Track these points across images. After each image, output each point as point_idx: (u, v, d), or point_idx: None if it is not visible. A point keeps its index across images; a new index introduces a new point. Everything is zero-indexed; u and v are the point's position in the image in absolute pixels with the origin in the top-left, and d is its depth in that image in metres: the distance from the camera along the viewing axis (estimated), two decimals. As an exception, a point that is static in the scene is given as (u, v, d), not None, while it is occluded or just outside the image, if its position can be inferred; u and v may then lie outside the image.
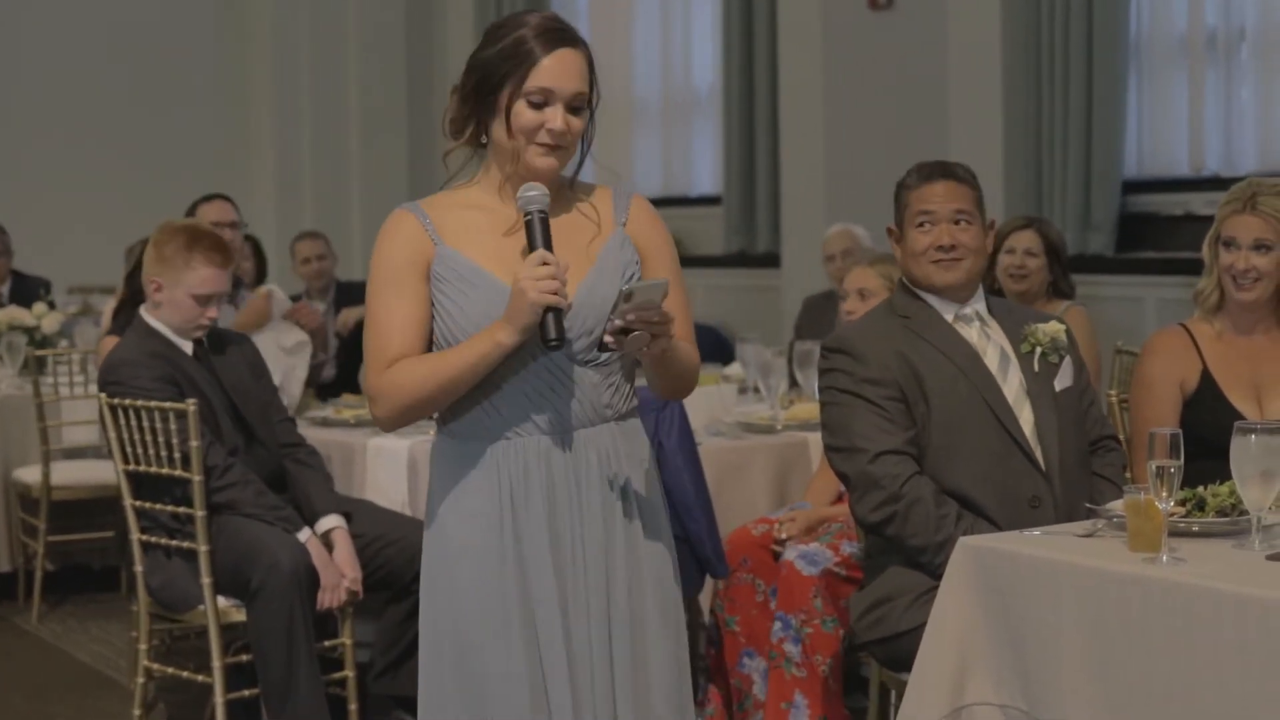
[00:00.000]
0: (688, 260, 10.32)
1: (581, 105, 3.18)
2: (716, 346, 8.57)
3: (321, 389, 7.57)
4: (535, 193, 3.14)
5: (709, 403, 5.61)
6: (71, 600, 7.23)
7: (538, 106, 3.15)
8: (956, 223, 4.09)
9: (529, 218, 3.13)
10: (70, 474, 6.92)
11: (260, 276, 8.55)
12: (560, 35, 3.17)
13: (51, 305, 8.04)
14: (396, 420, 3.19)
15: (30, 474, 6.98)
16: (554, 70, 3.14)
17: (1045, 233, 6.01)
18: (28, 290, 8.46)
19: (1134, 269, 7.90)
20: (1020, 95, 8.24)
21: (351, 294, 8.61)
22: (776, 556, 4.90)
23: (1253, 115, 7.56)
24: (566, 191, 3.25)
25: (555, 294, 3.03)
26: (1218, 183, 7.49)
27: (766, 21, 9.66)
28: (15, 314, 7.72)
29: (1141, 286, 7.82)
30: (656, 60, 10.87)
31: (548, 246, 3.10)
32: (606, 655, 3.21)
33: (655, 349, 3.06)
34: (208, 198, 6.75)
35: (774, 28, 9.53)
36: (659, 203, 10.52)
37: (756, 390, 6.00)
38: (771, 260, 9.72)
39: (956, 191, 4.12)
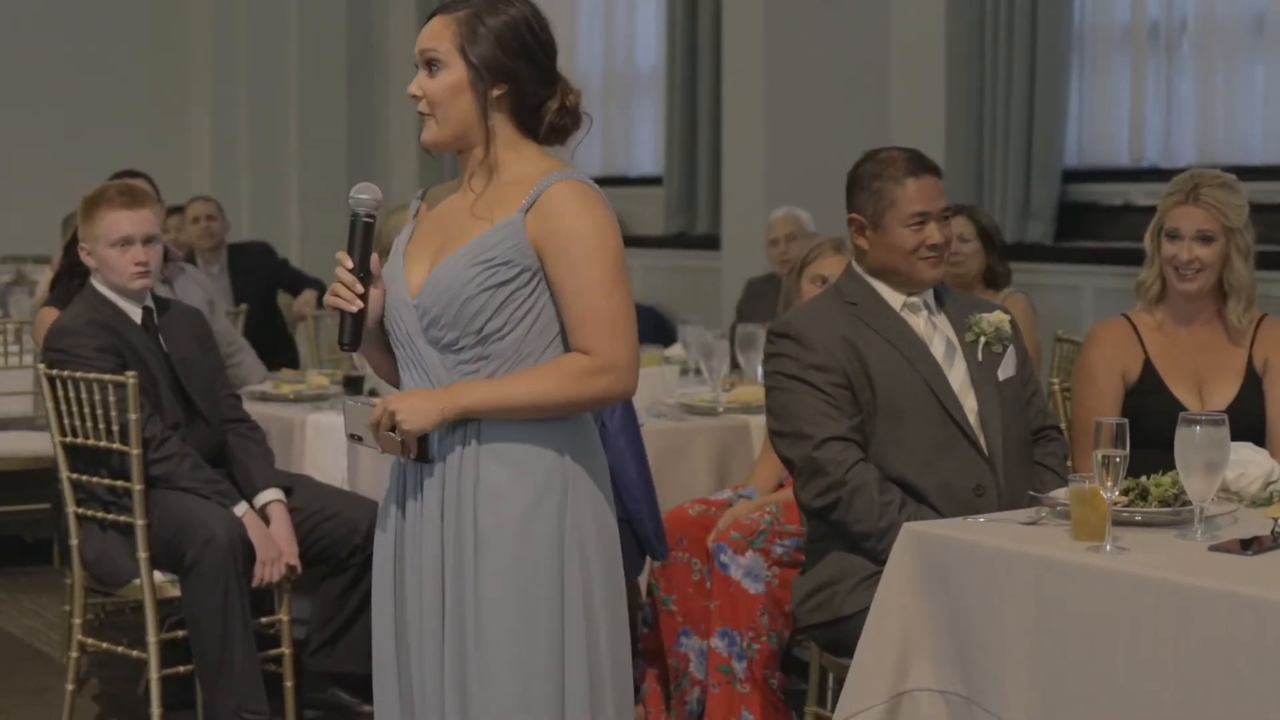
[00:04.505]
0: (627, 241, 10.42)
1: (435, 62, 3.14)
2: (658, 328, 8.57)
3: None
4: (365, 195, 3.17)
5: (651, 384, 5.60)
6: (3, 572, 7.17)
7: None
8: (942, 220, 4.09)
9: (353, 218, 3.17)
10: (2, 445, 6.85)
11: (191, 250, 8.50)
12: (443, 4, 3.19)
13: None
14: None
15: (-43, 447, 6.91)
16: (421, 34, 3.17)
17: (976, 219, 6.04)
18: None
19: (1073, 258, 7.93)
20: (962, 82, 8.25)
21: (245, 256, 8.52)
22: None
23: (1192, 107, 7.60)
24: (500, 171, 3.16)
25: (342, 299, 3.12)
26: (1157, 173, 7.53)
27: (710, 2, 9.63)
28: (-54, 282, 7.64)
29: (1080, 275, 7.85)
30: (599, 39, 10.84)
31: (363, 251, 3.14)
32: (438, 669, 3.16)
33: (398, 449, 3.12)
34: (120, 175, 6.67)
35: (718, 8, 9.50)
36: (600, 183, 10.65)
37: (698, 372, 6.00)
38: (712, 242, 9.70)
39: (939, 188, 4.13)
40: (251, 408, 5.64)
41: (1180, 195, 4.30)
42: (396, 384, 3.28)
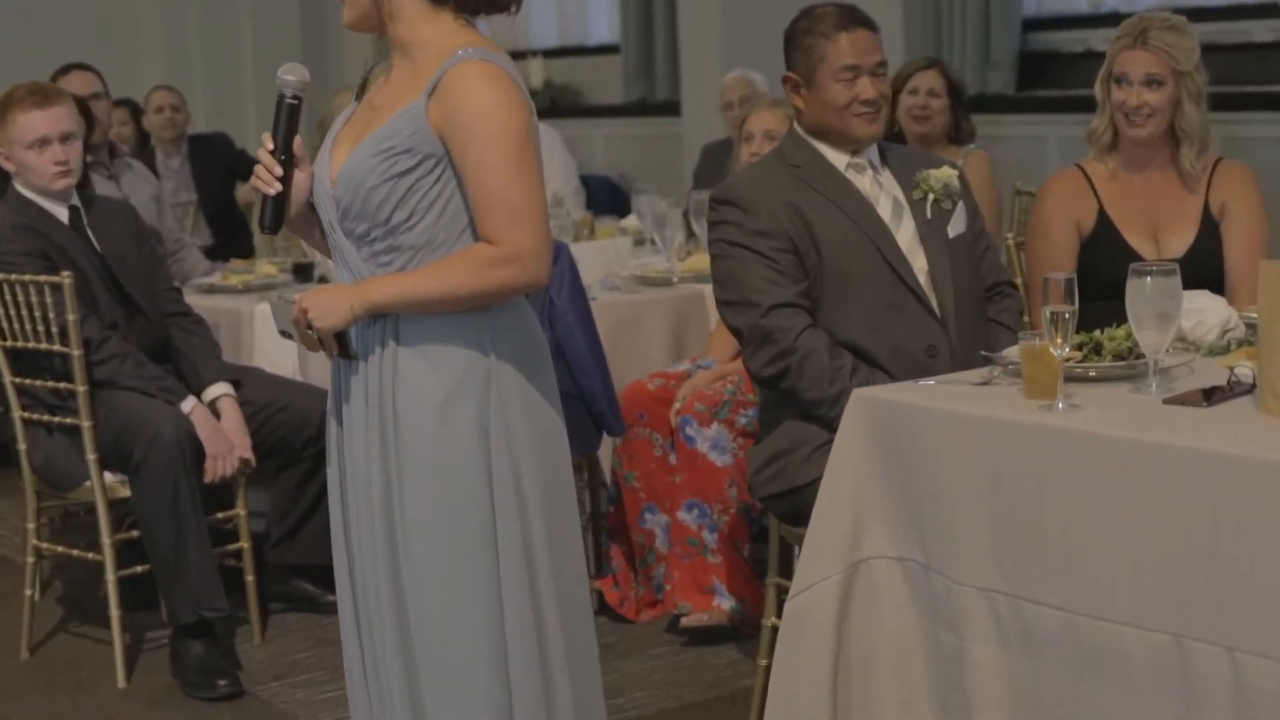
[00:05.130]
0: (587, 110, 10.34)
1: None
2: (614, 198, 8.46)
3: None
4: (292, 76, 3.09)
5: (604, 256, 5.52)
6: (-36, 476, 7.08)
7: None
8: (875, 75, 3.97)
9: (278, 100, 3.08)
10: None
11: (143, 141, 8.35)
12: None
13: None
14: None
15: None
16: None
17: (947, 73, 5.92)
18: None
19: (1035, 108, 7.85)
20: (918, -69, 8.12)
21: (208, 148, 8.38)
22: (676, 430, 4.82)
23: (1151, -52, 7.48)
24: (410, 52, 3.04)
25: (261, 180, 3.06)
26: (1117, 19, 7.32)
27: None
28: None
29: (1042, 125, 7.77)
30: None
31: (287, 132, 3.06)
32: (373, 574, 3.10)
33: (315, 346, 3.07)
34: (66, 69, 6.52)
35: None
36: (556, 54, 10.62)
37: (653, 242, 5.90)
38: (672, 109, 9.59)
39: (872, 41, 3.99)
40: (199, 300, 5.57)
41: (1128, 39, 4.19)
42: None
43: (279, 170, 3.06)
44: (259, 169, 3.07)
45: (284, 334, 3.16)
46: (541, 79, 10.54)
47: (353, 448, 3.12)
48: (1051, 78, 7.93)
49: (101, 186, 6.06)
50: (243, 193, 8.13)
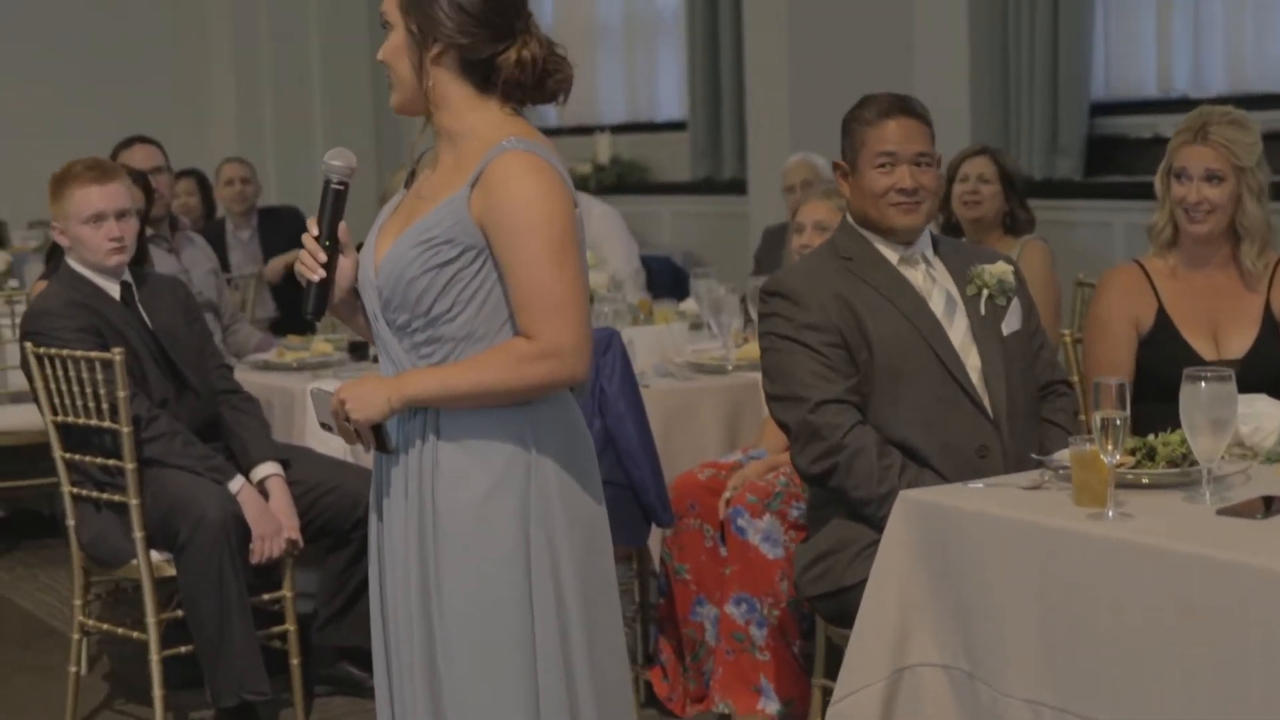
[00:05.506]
0: (654, 187, 10.32)
1: (386, 24, 3.05)
2: (676, 279, 8.42)
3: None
4: (338, 162, 3.07)
5: (659, 342, 5.46)
6: (23, 546, 7.10)
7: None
8: (918, 164, 3.92)
9: (324, 185, 3.07)
10: (16, 418, 6.76)
11: (209, 212, 8.39)
12: None
13: (1, 244, 7.86)
14: None
15: (-26, 419, 6.84)
16: None
17: (999, 160, 5.86)
18: (-27, 230, 8.29)
19: (1102, 193, 7.77)
20: (986, 16, 8.09)
21: (277, 221, 8.39)
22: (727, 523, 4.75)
23: (1221, 35, 7.41)
24: (456, 141, 3.02)
25: (305, 266, 3.04)
26: (1186, 104, 7.30)
27: (729, -60, 9.46)
28: (-41, 255, 7.56)
29: (1109, 211, 7.69)
30: (619, -19, 10.67)
31: (332, 218, 3.05)
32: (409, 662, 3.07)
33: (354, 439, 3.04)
34: (128, 141, 6.54)
35: (737, -53, 9.34)
36: (624, 129, 10.60)
37: (711, 327, 5.84)
38: (738, 187, 9.56)
39: (916, 131, 3.95)
40: (253, 377, 5.56)
41: (1188, 134, 4.14)
42: None
43: (323, 256, 3.05)
44: (303, 254, 3.06)
45: (324, 426, 3.14)
46: (609, 154, 10.55)
47: (391, 540, 3.09)
48: (1119, 163, 7.85)
49: (161, 260, 6.09)
50: (270, 269, 8.10)
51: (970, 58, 8.14)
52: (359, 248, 3.12)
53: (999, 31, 8.06)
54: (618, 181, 10.48)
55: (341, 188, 3.08)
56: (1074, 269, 6.60)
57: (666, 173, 10.41)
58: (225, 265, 7.92)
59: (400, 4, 3.01)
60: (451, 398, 2.97)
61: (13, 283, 7.62)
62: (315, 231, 3.06)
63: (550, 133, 10.91)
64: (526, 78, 3.02)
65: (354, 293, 3.12)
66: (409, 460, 3.04)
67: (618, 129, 10.68)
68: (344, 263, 3.08)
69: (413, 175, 3.15)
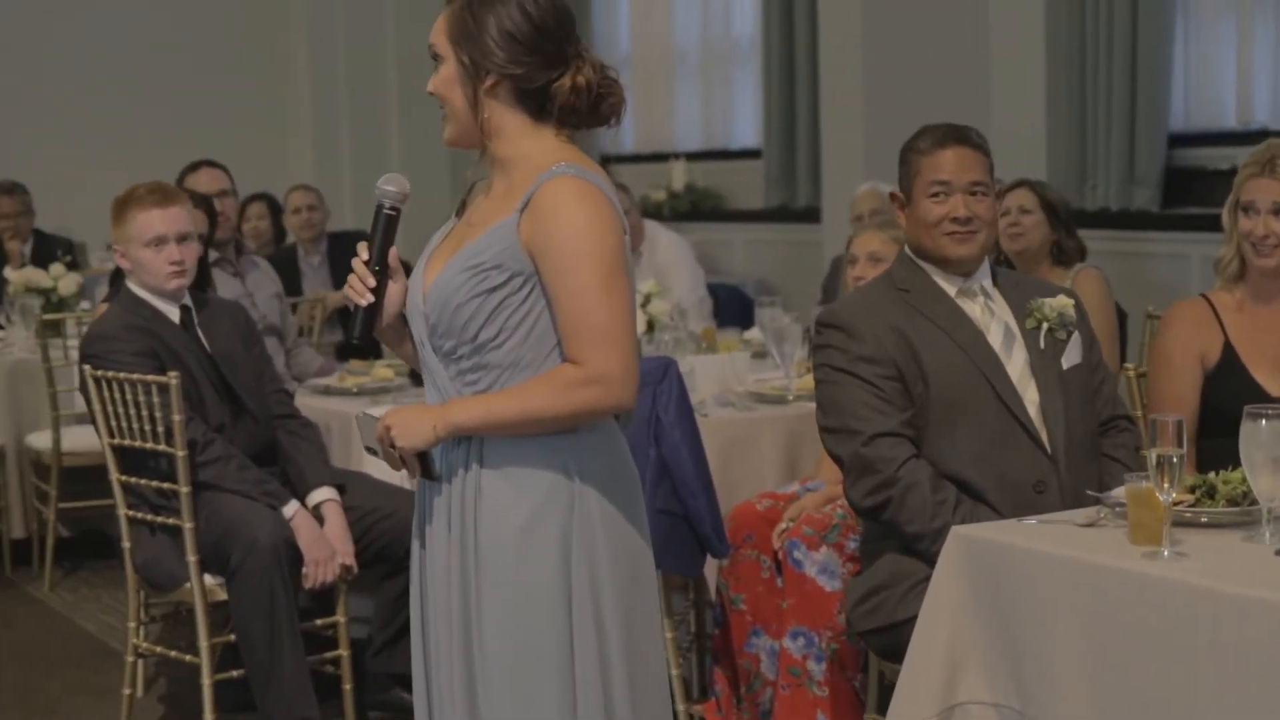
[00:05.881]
0: (728, 215, 10.27)
1: (437, 57, 3.03)
2: (744, 308, 8.36)
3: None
4: (391, 187, 3.06)
5: (720, 371, 5.41)
6: (87, 567, 7.12)
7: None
8: (972, 194, 3.85)
9: (376, 209, 3.06)
10: (82, 439, 6.76)
11: (280, 236, 8.41)
12: None
13: (72, 266, 7.90)
14: None
15: (42, 440, 6.86)
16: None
17: (1040, 191, 5.78)
18: (49, 250, 8.33)
19: (1179, 225, 7.65)
20: (1064, 46, 7.99)
21: (348, 246, 8.38)
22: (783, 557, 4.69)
23: (1303, 67, 7.29)
24: (509, 169, 3.00)
25: (354, 290, 3.03)
26: (1266, 136, 7.19)
27: (807, -33, 9.42)
28: (32, 275, 7.60)
29: (1186, 243, 7.58)
30: (696, 9, 10.63)
31: (383, 243, 3.04)
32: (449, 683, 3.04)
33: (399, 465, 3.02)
34: (194, 166, 6.54)
35: (814, -26, 9.29)
36: (699, 156, 10.56)
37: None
38: (812, 215, 9.49)
39: (972, 160, 3.88)
40: (313, 401, 5.56)
41: (1256, 167, 4.06)
42: None
43: (371, 280, 3.04)
44: (351, 278, 3.05)
45: (370, 450, 3.11)
46: (683, 181, 10.51)
47: (434, 567, 3.06)
48: (1197, 195, 7.73)
49: (225, 283, 6.10)
50: (334, 294, 8.06)
51: (1047, 87, 8.06)
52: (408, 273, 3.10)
53: (1076, 60, 7.97)
54: (692, 209, 10.45)
55: (394, 213, 3.07)
56: (1148, 301, 6.50)
57: (740, 200, 10.37)
58: (298, 290, 7.93)
59: (451, 35, 2.99)
60: (497, 425, 2.94)
61: (84, 304, 7.65)
62: (365, 256, 3.05)
63: (626, 159, 10.98)
64: (581, 103, 3.00)
65: (402, 319, 3.10)
66: (452, 488, 3.01)
67: (693, 156, 10.65)
68: (393, 288, 3.06)
69: (463, 206, 3.13)
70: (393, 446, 2.98)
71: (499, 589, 2.97)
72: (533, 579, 2.96)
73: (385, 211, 3.06)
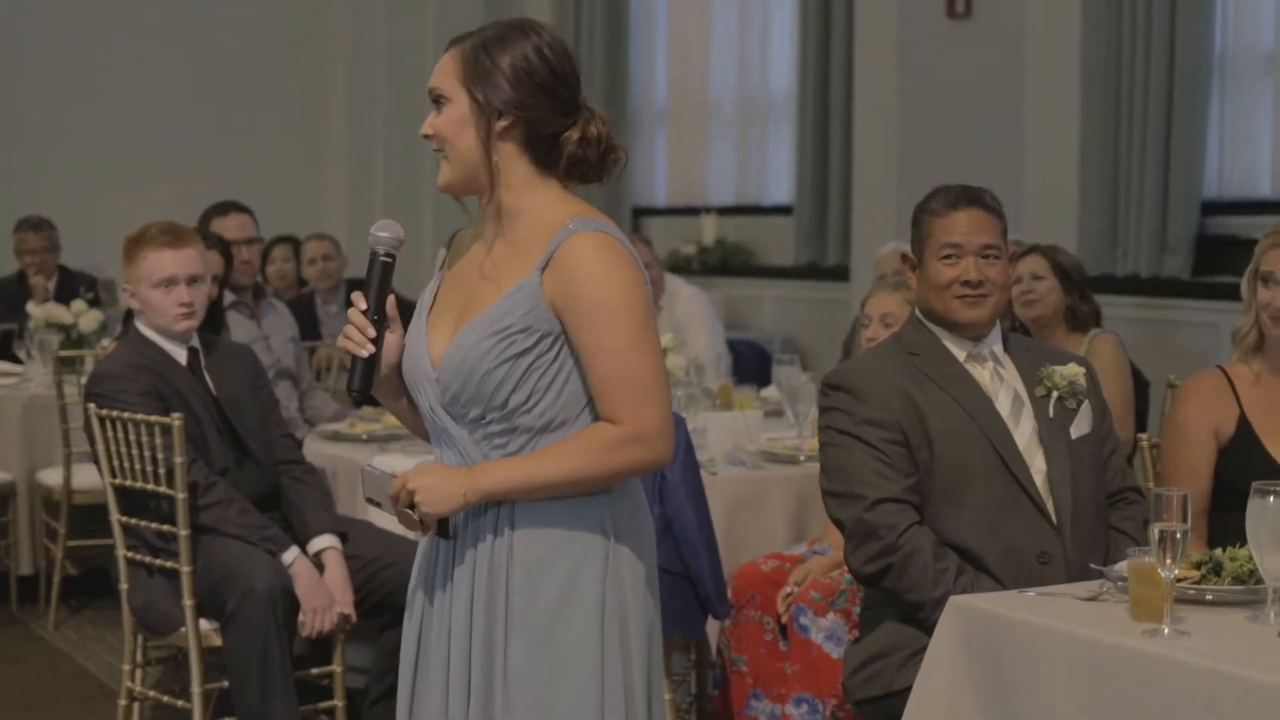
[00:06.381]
0: (757, 271, 10.22)
1: (441, 98, 2.93)
2: (763, 365, 8.29)
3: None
4: (386, 234, 2.97)
5: (732, 428, 5.34)
6: (93, 605, 7.06)
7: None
8: (985, 257, 3.78)
9: (371, 257, 2.97)
10: (92, 477, 6.70)
11: (303, 280, 8.38)
12: (456, 37, 2.99)
13: (94, 303, 7.88)
14: None
15: (53, 476, 6.82)
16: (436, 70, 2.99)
17: (1053, 257, 5.72)
18: (73, 286, 8.32)
19: (1211, 293, 7.57)
20: (1098, 110, 7.94)
21: None
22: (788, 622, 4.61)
23: (1338, 137, 7.21)
24: (511, 221, 2.92)
25: (352, 341, 2.93)
26: (1299, 205, 7.15)
27: (843, 26, 9.40)
28: (53, 311, 7.58)
29: (1217, 312, 7.48)
30: (733, 63, 10.61)
31: (380, 292, 2.95)
32: None
33: (416, 526, 2.91)
34: (223, 209, 6.49)
35: (850, 33, 9.28)
36: (731, 211, 10.53)
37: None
38: (841, 274, 9.45)
39: (984, 222, 3.81)
40: (322, 447, 5.51)
41: (1276, 236, 3.99)
42: (425, 436, 3.07)
43: (372, 331, 2.95)
44: (349, 329, 2.96)
45: (371, 501, 3.02)
46: (714, 236, 10.47)
47: (444, 627, 2.95)
48: (1229, 263, 7.64)
49: (240, 325, 6.06)
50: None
51: (1080, 150, 8.00)
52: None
53: (1110, 124, 7.91)
54: (722, 263, 10.41)
55: (389, 259, 2.99)
56: (1176, 370, 6.40)
57: (771, 256, 10.32)
58: (317, 335, 7.88)
59: (463, 76, 2.91)
60: (532, 489, 2.87)
61: (104, 341, 7.62)
62: (363, 305, 2.96)
63: (658, 212, 10.93)
64: (591, 155, 2.95)
65: (396, 371, 3.02)
66: (478, 554, 2.91)
67: (724, 210, 10.61)
68: (391, 339, 2.98)
69: (448, 259, 3.05)
70: (410, 507, 2.89)
71: (533, 653, 2.88)
72: (568, 641, 2.89)
73: (381, 259, 2.98)
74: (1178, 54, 7.60)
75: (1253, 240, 7.43)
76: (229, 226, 6.34)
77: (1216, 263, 7.71)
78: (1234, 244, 7.68)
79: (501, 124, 2.90)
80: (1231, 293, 7.35)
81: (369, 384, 2.97)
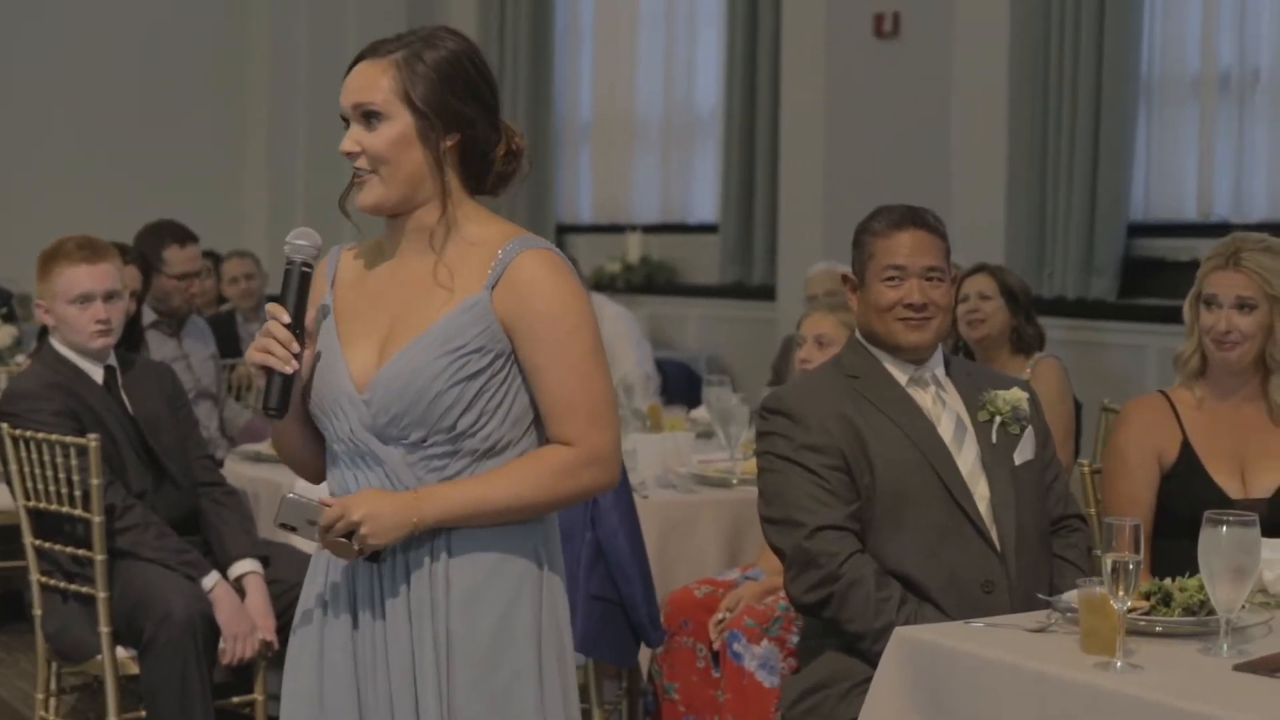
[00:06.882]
0: (682, 289, 10.16)
1: (374, 114, 2.79)
2: (691, 385, 8.21)
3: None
4: (303, 242, 2.82)
5: (662, 451, 5.25)
6: (6, 630, 6.88)
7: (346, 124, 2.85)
8: (928, 279, 3.71)
9: (288, 267, 2.81)
10: (4, 499, 6.53)
11: (221, 298, 8.24)
12: (369, 47, 2.86)
13: (9, 318, 7.69)
14: None
15: (-36, 497, 6.64)
16: (348, 84, 2.85)
17: (1000, 277, 5.68)
18: (-12, 301, 8.12)
19: (1136, 316, 7.56)
20: (1025, 131, 7.91)
21: None
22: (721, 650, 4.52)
23: (1265, 160, 7.21)
24: (452, 232, 2.81)
25: (275, 357, 2.75)
26: (1226, 229, 7.11)
27: (770, 45, 9.34)
28: (-37, 327, 7.39)
29: (1144, 335, 7.48)
30: (659, 80, 10.53)
31: (299, 304, 2.80)
32: None
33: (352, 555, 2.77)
34: (181, 238, 6.31)
35: (777, 51, 9.22)
36: (656, 229, 10.46)
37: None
38: (767, 293, 9.38)
39: (927, 244, 3.74)
40: (243, 468, 5.39)
41: (1219, 259, 3.94)
42: (309, 471, 2.93)
43: (297, 346, 2.79)
44: (270, 344, 2.77)
45: (285, 527, 2.88)
46: (639, 254, 10.39)
47: (379, 658, 2.83)
48: (1156, 286, 7.64)
49: (160, 343, 5.94)
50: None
51: (1008, 171, 7.98)
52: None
53: (1038, 146, 7.89)
54: (646, 281, 10.33)
55: (309, 270, 2.83)
56: (1102, 392, 6.39)
57: (696, 275, 10.25)
58: (237, 353, 7.73)
59: (403, 93, 2.77)
60: (482, 515, 2.76)
61: (19, 358, 7.44)
62: (286, 319, 2.80)
63: (582, 229, 10.83)
64: (512, 170, 2.88)
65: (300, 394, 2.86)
66: (415, 582, 2.79)
67: (649, 228, 10.53)
68: (305, 353, 2.82)
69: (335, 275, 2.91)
70: (347, 536, 2.76)
71: (478, 682, 2.79)
72: (512, 669, 2.80)
73: (301, 269, 2.81)
74: (1105, 76, 7.59)
75: (1179, 263, 7.51)
76: (186, 258, 6.21)
77: (1143, 285, 7.70)
78: (1160, 266, 7.68)
79: (448, 141, 2.80)
80: (1158, 315, 7.40)
81: (287, 402, 2.80)
